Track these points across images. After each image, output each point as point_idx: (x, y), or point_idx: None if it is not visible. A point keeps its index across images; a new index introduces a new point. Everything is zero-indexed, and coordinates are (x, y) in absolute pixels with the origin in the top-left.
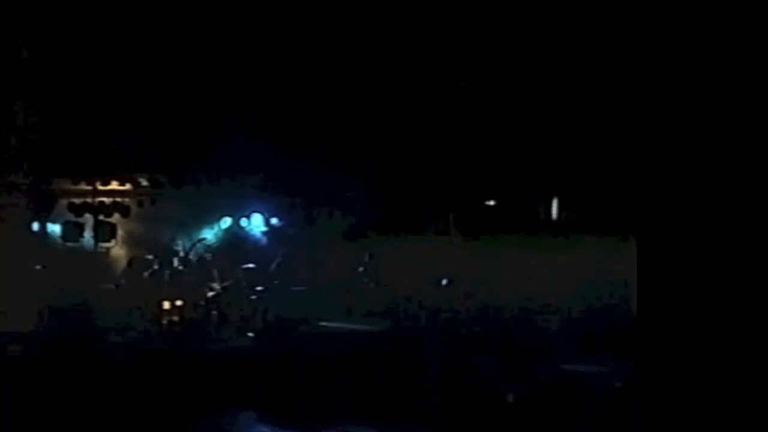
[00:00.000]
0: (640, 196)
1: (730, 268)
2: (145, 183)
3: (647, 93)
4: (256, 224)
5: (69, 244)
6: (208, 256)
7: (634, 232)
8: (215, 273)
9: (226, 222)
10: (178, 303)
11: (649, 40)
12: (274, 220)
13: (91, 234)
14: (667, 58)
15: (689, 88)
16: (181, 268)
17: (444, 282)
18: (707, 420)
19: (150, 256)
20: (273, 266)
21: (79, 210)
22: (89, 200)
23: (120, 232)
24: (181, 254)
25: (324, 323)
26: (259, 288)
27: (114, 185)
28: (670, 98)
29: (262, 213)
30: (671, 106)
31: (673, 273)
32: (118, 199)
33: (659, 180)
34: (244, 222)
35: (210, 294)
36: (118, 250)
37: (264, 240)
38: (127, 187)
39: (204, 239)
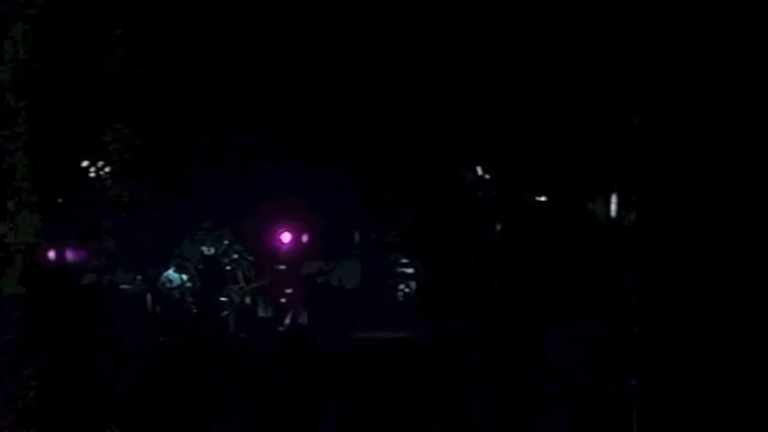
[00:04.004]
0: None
1: (730, 268)
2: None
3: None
4: None
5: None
6: (235, 255)
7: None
8: (239, 275)
9: None
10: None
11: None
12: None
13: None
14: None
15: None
16: (200, 267)
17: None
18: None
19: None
20: (302, 268)
21: None
22: None
23: None
24: (206, 252)
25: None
26: (288, 291)
27: None
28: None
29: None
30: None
31: (674, 273)
32: None
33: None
34: None
35: (227, 298)
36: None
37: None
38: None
39: (230, 237)
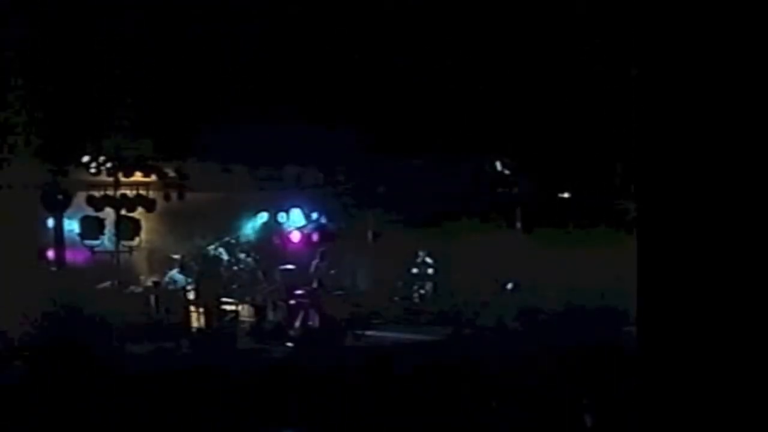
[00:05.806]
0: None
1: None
2: (172, 173)
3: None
4: (295, 219)
5: (87, 241)
6: (242, 255)
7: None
8: (260, 275)
9: (263, 217)
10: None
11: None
12: (314, 215)
13: (113, 231)
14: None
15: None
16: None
17: (509, 286)
18: (707, 421)
19: (177, 256)
20: (312, 268)
21: (98, 204)
22: (110, 193)
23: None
24: (212, 253)
25: (371, 332)
26: (298, 292)
27: (138, 176)
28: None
29: (301, 207)
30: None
31: (675, 272)
32: (142, 192)
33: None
34: (282, 217)
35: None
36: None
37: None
38: (152, 178)
39: (237, 237)
